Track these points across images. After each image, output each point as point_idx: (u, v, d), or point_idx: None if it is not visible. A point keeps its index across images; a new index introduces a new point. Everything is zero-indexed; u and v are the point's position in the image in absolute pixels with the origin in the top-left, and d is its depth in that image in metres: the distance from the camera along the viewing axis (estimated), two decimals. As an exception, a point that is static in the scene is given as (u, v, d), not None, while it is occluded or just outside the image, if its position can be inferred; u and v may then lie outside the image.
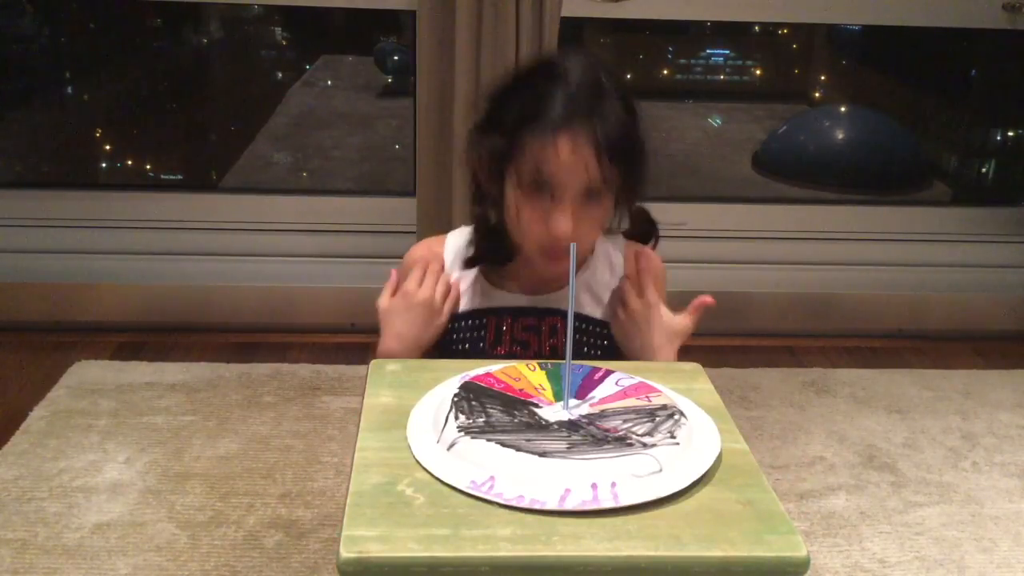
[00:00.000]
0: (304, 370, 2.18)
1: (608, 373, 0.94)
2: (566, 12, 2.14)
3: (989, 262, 2.61)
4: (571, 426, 0.83)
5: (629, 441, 0.81)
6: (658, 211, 1.25)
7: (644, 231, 1.25)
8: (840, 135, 3.31)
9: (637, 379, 0.93)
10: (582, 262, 1.19)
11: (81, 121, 3.27)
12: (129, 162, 3.27)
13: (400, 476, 0.79)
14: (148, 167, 3.22)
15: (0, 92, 2.86)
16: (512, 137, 1.07)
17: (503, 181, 1.11)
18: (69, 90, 3.28)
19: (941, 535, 1.71)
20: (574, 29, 2.51)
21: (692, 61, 3.78)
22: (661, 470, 0.78)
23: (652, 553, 0.71)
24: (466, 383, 0.90)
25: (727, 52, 3.78)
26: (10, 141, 2.99)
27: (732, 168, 3.47)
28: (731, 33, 3.69)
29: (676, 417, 0.85)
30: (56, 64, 3.15)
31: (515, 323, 1.18)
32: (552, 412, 0.86)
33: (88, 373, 2.12)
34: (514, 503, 0.74)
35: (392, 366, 0.99)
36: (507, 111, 1.09)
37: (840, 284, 2.52)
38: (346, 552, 0.70)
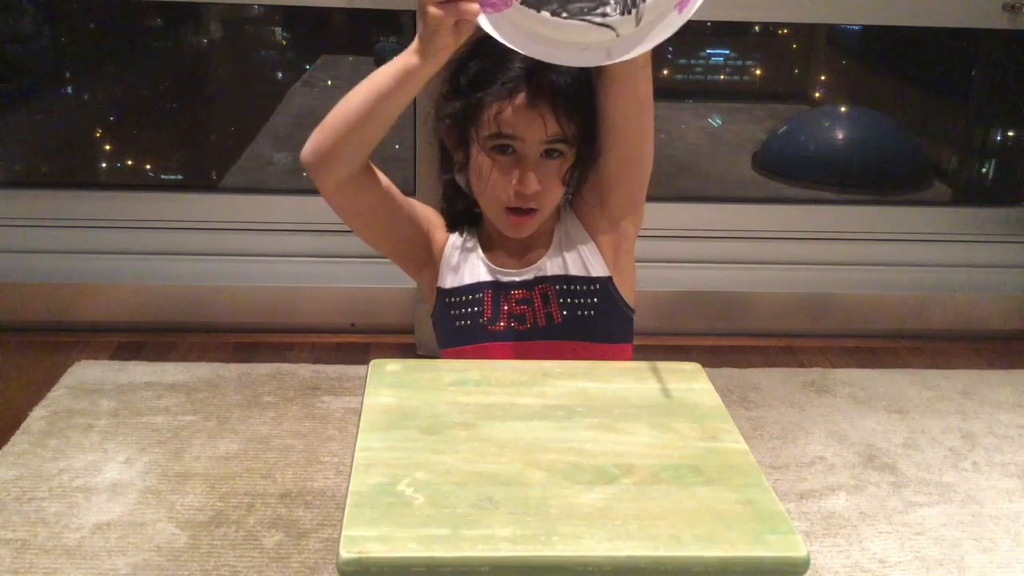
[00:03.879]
0: (304, 370, 2.18)
1: None
2: (566, 12, 2.14)
3: (989, 262, 2.61)
4: None
5: None
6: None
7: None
8: (840, 135, 3.31)
9: None
10: (547, 225, 1.22)
11: (81, 121, 3.27)
12: (129, 162, 3.27)
13: (400, 476, 0.79)
14: (148, 167, 3.22)
15: (0, 92, 2.86)
16: (472, 99, 1.12)
17: (468, 146, 1.15)
18: (69, 90, 3.28)
19: (941, 535, 1.70)
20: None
21: (692, 61, 3.78)
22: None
23: (652, 553, 0.71)
24: None
25: (727, 52, 3.78)
26: (10, 141, 2.99)
27: (732, 168, 3.46)
28: (731, 33, 3.69)
29: None
30: (56, 64, 3.15)
31: (509, 297, 1.20)
32: None
33: (88, 373, 2.12)
34: None
35: (392, 366, 0.99)
36: (466, 75, 1.14)
37: (840, 284, 2.52)
38: (346, 552, 0.70)
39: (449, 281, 1.23)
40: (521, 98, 1.09)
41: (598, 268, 1.21)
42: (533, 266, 1.21)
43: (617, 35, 0.89)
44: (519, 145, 1.11)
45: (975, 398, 2.20)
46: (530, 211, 1.14)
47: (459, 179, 1.22)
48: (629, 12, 0.90)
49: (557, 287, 1.20)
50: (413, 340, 2.29)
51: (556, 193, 1.16)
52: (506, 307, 1.20)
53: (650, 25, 0.91)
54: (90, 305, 2.34)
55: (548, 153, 1.12)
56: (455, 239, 1.25)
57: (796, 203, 2.94)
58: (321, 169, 1.09)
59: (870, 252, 2.60)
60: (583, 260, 1.22)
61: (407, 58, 1.02)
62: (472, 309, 1.20)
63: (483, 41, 1.15)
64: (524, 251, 1.22)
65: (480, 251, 1.23)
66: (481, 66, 1.12)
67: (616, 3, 0.90)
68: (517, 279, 1.21)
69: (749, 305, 2.47)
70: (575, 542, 0.71)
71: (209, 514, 1.67)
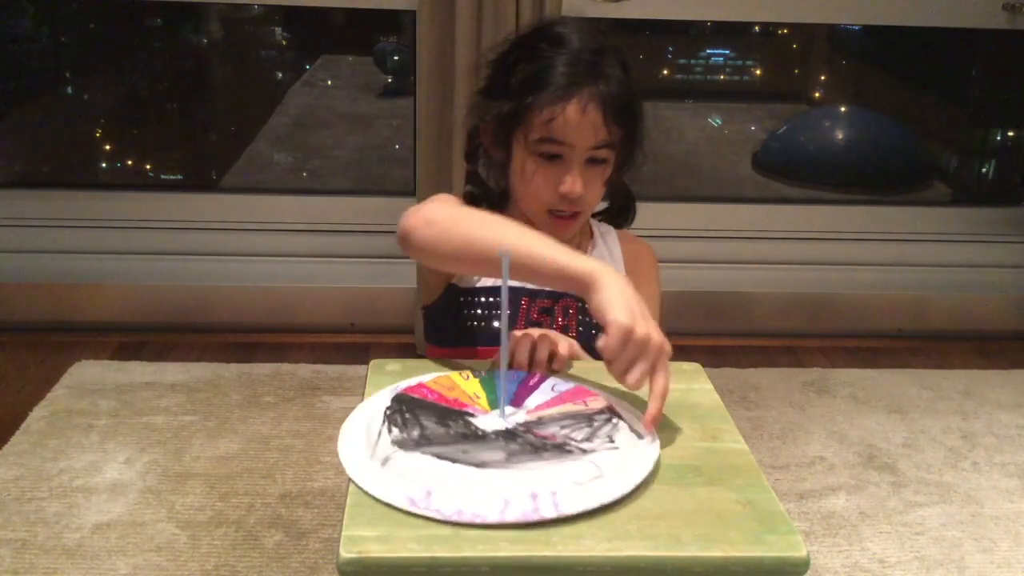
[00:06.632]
0: (304, 370, 2.18)
1: (543, 378, 0.92)
2: (566, 12, 2.14)
3: (989, 262, 2.61)
4: (508, 435, 0.81)
5: (568, 448, 0.79)
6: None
7: (622, 205, 1.29)
8: (840, 135, 3.31)
9: (573, 383, 0.91)
10: (581, 239, 1.23)
11: (81, 121, 3.27)
12: (129, 162, 3.27)
13: (400, 476, 0.79)
14: (148, 167, 3.22)
15: (0, 92, 2.85)
16: (520, 102, 1.11)
17: (509, 146, 1.15)
18: (69, 90, 3.28)
19: (941, 535, 1.70)
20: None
21: (692, 61, 3.78)
22: (602, 476, 0.76)
23: (652, 553, 0.71)
24: (399, 395, 0.88)
25: (727, 52, 3.78)
26: (10, 141, 2.99)
27: (732, 168, 3.46)
28: (731, 33, 3.68)
29: (614, 421, 0.83)
30: (56, 64, 3.15)
31: (532, 304, 1.18)
32: (488, 421, 0.84)
33: (88, 373, 2.12)
34: (453, 518, 0.72)
35: (392, 366, 0.99)
36: (513, 76, 1.13)
37: (840, 284, 2.52)
38: (346, 552, 0.69)
39: (467, 280, 1.20)
40: (573, 105, 1.09)
41: None
42: None
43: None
44: (567, 151, 1.11)
45: (975, 398, 2.20)
46: (574, 214, 1.15)
47: (482, 172, 1.22)
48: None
49: (580, 304, 1.19)
50: (413, 340, 2.29)
51: (598, 196, 1.17)
52: (524, 313, 1.18)
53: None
54: (90, 305, 2.34)
55: (592, 160, 1.13)
56: None
57: (796, 203, 2.94)
58: (413, 255, 1.08)
59: (870, 252, 2.61)
60: None
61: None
62: (489, 312, 1.19)
63: (525, 40, 1.16)
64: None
65: None
66: (528, 69, 1.12)
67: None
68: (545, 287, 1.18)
69: (749, 305, 2.47)
70: (575, 542, 0.71)
71: (209, 514, 1.67)
